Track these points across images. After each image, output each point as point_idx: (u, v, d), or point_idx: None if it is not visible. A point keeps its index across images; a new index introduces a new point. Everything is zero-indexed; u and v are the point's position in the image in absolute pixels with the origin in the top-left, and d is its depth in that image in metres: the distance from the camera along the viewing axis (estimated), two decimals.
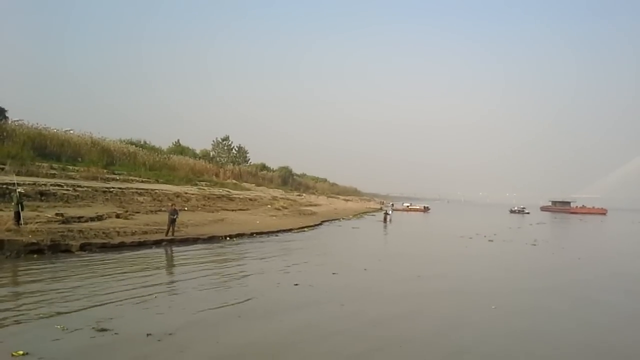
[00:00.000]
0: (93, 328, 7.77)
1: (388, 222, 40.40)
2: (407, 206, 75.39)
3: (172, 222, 19.42)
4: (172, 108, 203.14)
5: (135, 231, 19.02)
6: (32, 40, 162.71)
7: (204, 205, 31.20)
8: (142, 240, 18.00)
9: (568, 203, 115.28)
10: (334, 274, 14.36)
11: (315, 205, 49.99)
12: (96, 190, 25.33)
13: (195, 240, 19.87)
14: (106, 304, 9.37)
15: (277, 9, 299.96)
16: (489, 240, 28.00)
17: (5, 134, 27.32)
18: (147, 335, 7.56)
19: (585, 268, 19.79)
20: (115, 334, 7.60)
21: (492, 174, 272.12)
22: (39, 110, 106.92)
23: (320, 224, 33.69)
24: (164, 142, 54.19)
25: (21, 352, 6.59)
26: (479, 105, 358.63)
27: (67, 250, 15.18)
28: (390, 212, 44.37)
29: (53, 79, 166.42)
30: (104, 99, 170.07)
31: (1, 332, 7.52)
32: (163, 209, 22.35)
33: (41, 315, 8.41)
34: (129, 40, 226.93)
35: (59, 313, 8.55)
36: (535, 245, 26.94)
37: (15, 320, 8.10)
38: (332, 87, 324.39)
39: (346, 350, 7.65)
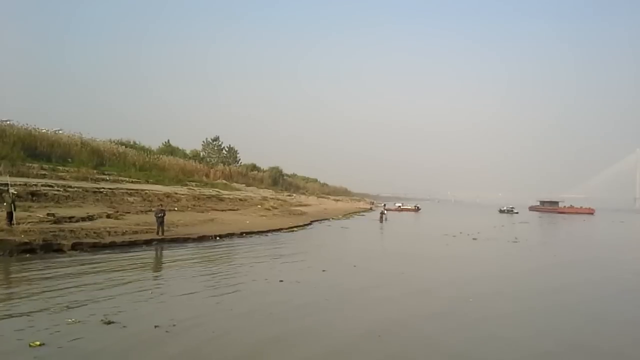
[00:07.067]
0: (101, 321, 8.27)
1: (384, 221, 41.00)
2: (399, 206, 76.39)
3: (160, 221, 19.79)
4: (163, 108, 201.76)
5: (126, 231, 19.33)
6: (26, 40, 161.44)
7: (194, 205, 31.53)
8: (132, 239, 18.31)
9: (556, 203, 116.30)
10: (323, 271, 14.85)
11: (305, 205, 50.50)
12: (87, 191, 25.59)
13: (185, 240, 20.22)
14: (107, 299, 9.85)
15: (277, 12, 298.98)
16: (473, 239, 28.76)
17: None
18: (155, 327, 8.11)
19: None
20: (124, 326, 8.11)
21: (486, 175, 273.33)
22: (29, 109, 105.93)
23: (310, 224, 34.19)
24: (154, 143, 54.19)
25: (38, 343, 7.06)
26: (477, 102, 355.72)
27: (59, 250, 15.48)
28: (385, 212, 45.13)
29: (43, 78, 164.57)
30: (96, 99, 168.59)
31: (16, 325, 7.96)
32: (153, 209, 22.67)
33: (50, 309, 8.87)
34: (125, 41, 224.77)
35: (67, 308, 9.02)
36: (516, 242, 27.88)
37: (27, 314, 8.53)
38: (327, 88, 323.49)
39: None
